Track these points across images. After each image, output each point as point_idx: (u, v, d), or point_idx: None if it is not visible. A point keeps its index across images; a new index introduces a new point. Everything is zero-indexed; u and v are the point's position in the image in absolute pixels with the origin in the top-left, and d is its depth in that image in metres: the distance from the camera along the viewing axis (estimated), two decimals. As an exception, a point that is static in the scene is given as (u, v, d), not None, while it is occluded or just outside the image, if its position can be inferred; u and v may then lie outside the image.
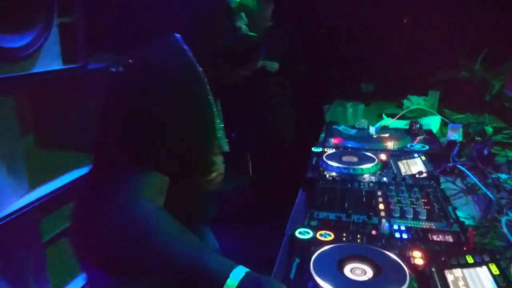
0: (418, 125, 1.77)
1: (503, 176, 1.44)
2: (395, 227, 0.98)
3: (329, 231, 0.96)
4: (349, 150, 1.53)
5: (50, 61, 1.70)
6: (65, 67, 1.75)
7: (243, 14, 1.05)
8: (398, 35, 2.72)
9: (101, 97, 1.03)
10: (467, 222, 1.06)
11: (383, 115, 2.28)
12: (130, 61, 1.02)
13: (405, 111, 2.13)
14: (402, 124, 2.16)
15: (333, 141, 1.66)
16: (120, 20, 2.10)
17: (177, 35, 1.08)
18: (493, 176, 1.41)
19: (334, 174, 1.32)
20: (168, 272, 0.78)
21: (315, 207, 1.09)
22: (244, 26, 1.05)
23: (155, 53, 1.03)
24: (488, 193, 1.26)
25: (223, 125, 1.13)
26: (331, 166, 1.35)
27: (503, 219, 1.01)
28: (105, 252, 0.86)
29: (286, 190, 1.75)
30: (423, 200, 1.11)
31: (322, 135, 1.89)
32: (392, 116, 2.27)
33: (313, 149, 1.56)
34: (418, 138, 1.63)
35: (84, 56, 1.80)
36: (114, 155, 0.92)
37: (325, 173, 1.31)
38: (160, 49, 1.04)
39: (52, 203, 1.75)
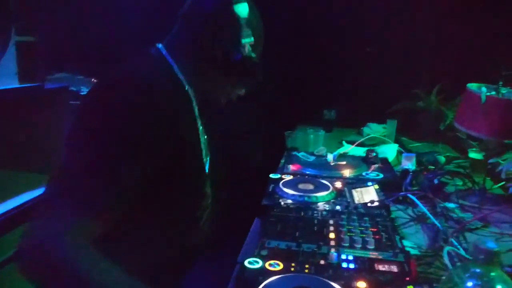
0: (374, 153, 1.83)
1: (451, 205, 1.50)
2: (343, 256, 1.00)
3: (279, 260, 0.96)
4: (306, 177, 1.55)
5: (5, 79, 1.66)
6: (22, 86, 1.71)
7: (250, 32, 0.98)
8: (361, 65, 2.82)
9: (58, 116, 1.00)
10: (413, 251, 1.09)
11: (343, 142, 2.34)
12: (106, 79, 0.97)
13: (363, 139, 2.20)
14: (362, 151, 2.22)
15: (292, 167, 1.69)
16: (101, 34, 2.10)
17: (159, 45, 1.03)
18: (441, 205, 1.47)
19: (289, 201, 1.34)
20: None
21: (267, 235, 1.09)
22: (249, 46, 0.99)
23: (134, 69, 0.97)
24: (436, 222, 1.31)
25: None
26: (287, 193, 1.37)
27: (445, 249, 1.05)
28: None
29: (244, 217, 1.75)
30: (372, 229, 1.14)
31: (282, 161, 1.91)
32: (352, 143, 2.34)
33: (271, 175, 1.58)
34: (373, 166, 1.67)
35: (42, 75, 1.76)
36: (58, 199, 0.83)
37: (280, 200, 1.32)
38: (142, 63, 0.99)
39: (0, 226, 1.68)
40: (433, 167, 1.95)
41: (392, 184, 1.57)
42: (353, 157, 1.87)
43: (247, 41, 0.98)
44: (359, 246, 1.05)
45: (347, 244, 1.06)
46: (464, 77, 2.54)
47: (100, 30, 2.44)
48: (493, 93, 1.53)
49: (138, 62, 1.01)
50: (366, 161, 1.80)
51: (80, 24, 2.40)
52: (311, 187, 1.42)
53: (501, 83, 1.54)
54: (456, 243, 1.18)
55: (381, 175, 1.63)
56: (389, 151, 2.16)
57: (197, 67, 1.02)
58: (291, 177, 1.55)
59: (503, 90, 1.56)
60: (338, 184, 1.50)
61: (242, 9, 0.98)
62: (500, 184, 1.68)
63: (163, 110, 0.90)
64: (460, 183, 1.74)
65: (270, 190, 1.42)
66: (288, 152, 1.93)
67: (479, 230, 1.36)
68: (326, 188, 1.41)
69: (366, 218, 1.19)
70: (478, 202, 1.57)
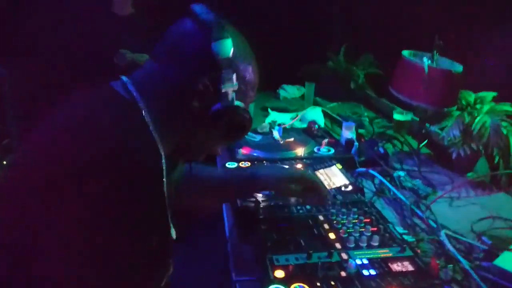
0: (317, 126, 1.80)
1: (401, 173, 1.56)
2: (358, 261, 0.95)
3: (301, 282, 0.87)
4: (265, 163, 1.45)
5: None
6: None
7: (233, 76, 0.78)
8: (272, 26, 2.72)
9: None
10: (408, 239, 1.10)
11: (269, 109, 2.27)
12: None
13: (302, 112, 2.11)
14: (287, 117, 2.19)
15: (243, 151, 1.56)
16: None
17: (125, 79, 0.80)
18: (395, 175, 1.52)
19: (260, 196, 1.23)
20: None
21: (269, 249, 0.98)
22: (233, 93, 0.79)
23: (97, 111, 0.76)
24: (404, 199, 1.34)
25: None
26: (259, 188, 1.25)
27: (442, 232, 1.08)
28: None
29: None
30: (365, 221, 1.11)
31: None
32: (275, 109, 2.29)
33: (227, 165, 1.43)
34: (324, 142, 1.64)
35: None
36: None
37: (259, 199, 1.20)
38: (107, 107, 0.77)
39: None
40: (364, 130, 2.03)
41: (345, 158, 1.56)
42: (298, 131, 1.81)
43: (229, 87, 0.79)
44: (365, 245, 1.02)
45: (352, 245, 1.02)
46: (368, 37, 2.67)
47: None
48: (429, 62, 1.59)
49: (102, 105, 0.79)
50: (311, 134, 1.76)
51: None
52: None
53: (435, 51, 1.60)
54: (430, 220, 1.23)
55: (332, 150, 1.62)
56: (316, 115, 2.15)
57: (170, 118, 0.82)
58: (248, 164, 1.43)
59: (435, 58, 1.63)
60: (299, 167, 1.43)
61: (223, 47, 0.77)
62: (423, 144, 1.81)
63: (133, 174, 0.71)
64: (390, 146, 1.83)
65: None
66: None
67: (431, 196, 1.45)
68: (295, 176, 1.33)
69: (355, 209, 1.16)
70: (415, 165, 1.67)
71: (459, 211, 1.37)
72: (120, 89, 0.80)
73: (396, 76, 1.71)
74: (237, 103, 0.81)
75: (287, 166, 1.31)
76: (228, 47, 0.78)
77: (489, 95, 1.61)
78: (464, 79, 1.57)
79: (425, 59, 1.55)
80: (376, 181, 1.51)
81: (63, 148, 0.71)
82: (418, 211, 1.30)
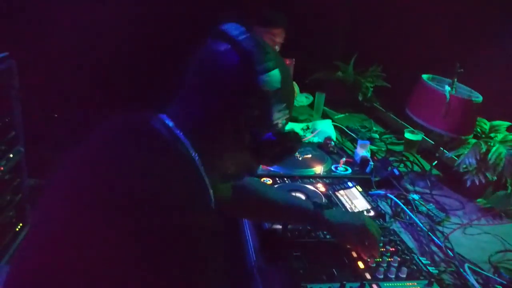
0: (333, 143, 1.82)
1: (416, 196, 1.59)
2: (389, 294, 0.98)
3: (337, 315, 0.90)
4: (287, 181, 1.47)
5: None
6: None
7: (284, 105, 0.77)
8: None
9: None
10: (430, 269, 1.13)
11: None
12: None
13: (316, 131, 2.11)
14: (297, 127, 2.21)
15: (262, 166, 1.57)
16: None
17: (163, 116, 0.78)
18: (410, 198, 1.55)
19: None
20: None
21: (300, 275, 1.01)
22: (284, 120, 0.79)
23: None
24: (422, 226, 1.37)
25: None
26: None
27: (466, 266, 1.12)
28: None
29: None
30: (391, 250, 1.14)
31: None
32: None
33: (249, 181, 1.44)
34: (342, 161, 1.66)
35: None
36: None
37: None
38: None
39: None
40: (374, 147, 2.06)
41: (362, 178, 1.59)
42: (313, 146, 1.83)
43: (280, 117, 0.78)
44: (393, 276, 1.05)
45: (381, 276, 1.05)
46: (377, 47, 2.69)
47: None
48: (448, 88, 1.62)
49: (145, 148, 0.74)
50: (326, 151, 1.79)
51: None
52: (302, 196, 1.35)
53: (456, 79, 1.63)
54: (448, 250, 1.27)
55: (349, 170, 1.64)
56: (327, 128, 2.17)
57: (216, 152, 0.80)
58: (270, 181, 1.45)
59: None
60: (321, 187, 1.46)
61: (273, 78, 0.75)
62: (434, 164, 1.85)
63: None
64: (401, 165, 1.86)
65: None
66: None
67: (445, 222, 1.49)
68: (318, 198, 1.35)
69: (381, 237, 1.19)
70: (426, 186, 1.71)
71: (473, 239, 1.40)
72: (160, 126, 0.77)
73: (414, 98, 1.74)
74: (283, 129, 0.81)
75: (351, 211, 1.33)
76: (276, 78, 0.76)
77: (504, 124, 1.65)
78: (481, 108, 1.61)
79: (447, 87, 1.58)
80: (389, 202, 1.54)
81: (113, 189, 0.67)
82: (435, 238, 1.34)
